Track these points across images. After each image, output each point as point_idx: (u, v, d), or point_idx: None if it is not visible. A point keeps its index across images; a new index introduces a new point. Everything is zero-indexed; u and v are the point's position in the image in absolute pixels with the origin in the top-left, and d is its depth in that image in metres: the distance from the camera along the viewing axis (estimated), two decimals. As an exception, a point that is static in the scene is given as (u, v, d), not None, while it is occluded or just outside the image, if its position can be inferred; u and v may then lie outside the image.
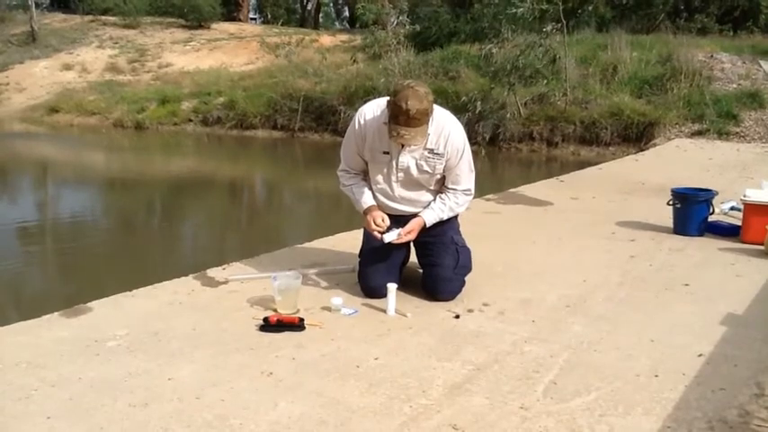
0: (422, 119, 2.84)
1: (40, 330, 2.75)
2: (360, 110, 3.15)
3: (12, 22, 26.05)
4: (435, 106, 3.00)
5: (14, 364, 2.42)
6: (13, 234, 7.36)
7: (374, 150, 3.11)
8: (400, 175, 3.12)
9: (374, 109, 3.08)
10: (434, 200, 3.20)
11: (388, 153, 3.09)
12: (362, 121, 3.10)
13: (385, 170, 3.14)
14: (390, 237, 3.07)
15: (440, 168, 3.09)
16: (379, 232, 3.08)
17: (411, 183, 3.15)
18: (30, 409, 2.12)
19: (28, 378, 2.32)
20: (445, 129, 3.04)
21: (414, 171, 3.10)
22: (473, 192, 3.24)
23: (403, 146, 3.02)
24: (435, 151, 3.05)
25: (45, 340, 2.65)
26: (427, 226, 3.15)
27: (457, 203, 3.19)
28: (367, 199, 3.18)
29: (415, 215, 3.18)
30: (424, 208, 3.19)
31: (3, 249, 6.54)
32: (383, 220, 3.10)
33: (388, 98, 2.95)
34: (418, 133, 2.87)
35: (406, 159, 3.07)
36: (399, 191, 3.16)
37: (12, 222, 7.87)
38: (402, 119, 2.82)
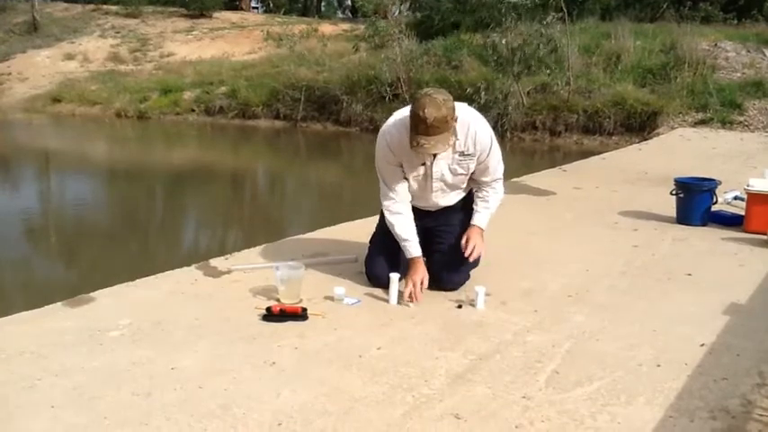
0: (441, 126, 2.77)
1: (43, 320, 2.76)
2: (381, 131, 3.07)
3: (13, 11, 25.96)
4: (458, 105, 2.94)
5: (18, 354, 2.43)
6: (16, 224, 7.37)
7: (409, 164, 3.06)
8: (436, 184, 3.10)
9: (397, 124, 3.00)
10: (475, 201, 3.18)
11: (423, 164, 3.05)
12: (389, 140, 3.02)
13: (422, 181, 3.10)
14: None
15: (473, 167, 3.07)
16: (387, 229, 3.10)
17: (447, 187, 3.14)
18: (34, 399, 2.12)
19: (32, 368, 2.33)
20: (471, 128, 2.99)
21: (449, 176, 3.08)
22: (503, 176, 3.22)
23: (435, 155, 2.98)
24: (466, 153, 3.01)
25: (48, 330, 2.65)
26: (484, 229, 3.13)
27: (497, 194, 3.19)
28: (414, 249, 3.07)
29: (446, 208, 3.19)
30: (456, 202, 3.20)
31: (5, 239, 6.56)
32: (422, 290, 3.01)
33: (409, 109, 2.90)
34: (439, 141, 2.80)
35: (440, 167, 3.04)
36: (435, 196, 3.17)
37: (14, 212, 7.88)
38: (422, 128, 2.76)
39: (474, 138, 2.99)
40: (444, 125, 2.78)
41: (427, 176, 3.08)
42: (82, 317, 2.79)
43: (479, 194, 3.18)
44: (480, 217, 3.14)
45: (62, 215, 8.12)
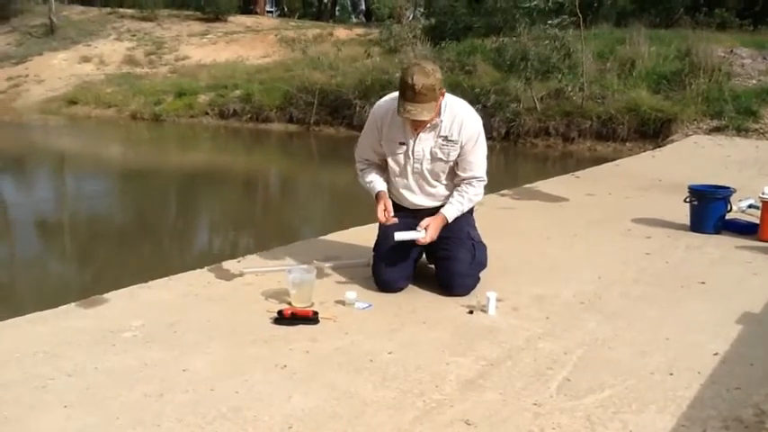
0: (428, 94, 2.87)
1: (56, 320, 2.78)
2: (376, 103, 3.24)
3: (30, 13, 26.20)
4: (450, 95, 3.06)
5: (32, 354, 2.45)
6: (31, 224, 7.44)
7: (390, 141, 3.16)
8: (416, 166, 3.15)
9: (388, 100, 3.14)
10: (452, 194, 3.21)
11: (404, 144, 3.13)
12: (378, 113, 3.18)
13: (402, 161, 3.18)
14: (402, 236, 3.05)
15: (453, 155, 3.11)
16: (387, 225, 3.12)
17: (427, 173, 3.17)
18: (47, 399, 2.14)
19: (45, 368, 2.35)
20: (458, 115, 3.08)
21: (429, 159, 3.13)
22: (486, 179, 3.24)
23: (418, 133, 3.06)
24: (449, 138, 3.08)
25: (62, 330, 2.68)
26: (449, 221, 3.15)
27: (476, 193, 3.22)
28: (377, 184, 3.23)
29: (432, 209, 3.19)
30: (442, 203, 3.20)
31: (20, 240, 6.61)
32: (386, 209, 3.14)
33: None
34: (425, 109, 2.90)
35: (421, 148, 3.11)
36: (415, 183, 3.20)
37: (29, 213, 7.95)
38: (409, 94, 2.87)
39: (460, 125, 3.07)
40: (431, 93, 2.88)
41: (407, 157, 3.14)
42: (95, 317, 2.82)
43: (458, 188, 3.21)
44: (449, 209, 3.17)
45: (77, 216, 8.18)
